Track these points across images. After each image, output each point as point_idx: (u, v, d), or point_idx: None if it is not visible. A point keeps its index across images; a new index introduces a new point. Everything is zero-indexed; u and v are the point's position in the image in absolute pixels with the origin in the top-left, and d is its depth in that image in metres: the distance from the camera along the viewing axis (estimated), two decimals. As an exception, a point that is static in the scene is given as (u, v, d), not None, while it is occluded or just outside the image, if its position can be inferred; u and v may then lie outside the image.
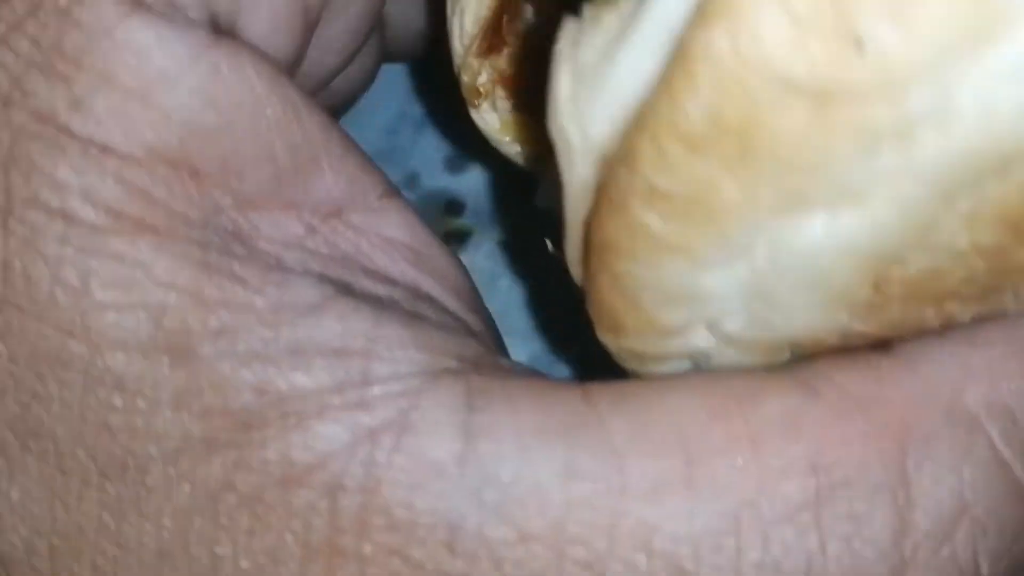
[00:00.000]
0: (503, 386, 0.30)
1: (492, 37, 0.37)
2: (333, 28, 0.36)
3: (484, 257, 0.52)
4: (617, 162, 0.26)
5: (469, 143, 0.56)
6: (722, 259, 0.26)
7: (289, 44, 0.33)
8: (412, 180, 0.53)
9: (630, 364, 0.31)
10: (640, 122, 0.25)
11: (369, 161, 0.34)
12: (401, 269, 0.33)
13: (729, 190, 0.24)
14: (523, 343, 0.51)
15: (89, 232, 0.29)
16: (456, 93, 0.39)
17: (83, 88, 0.29)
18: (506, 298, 0.52)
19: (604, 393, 0.30)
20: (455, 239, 0.52)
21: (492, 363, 0.32)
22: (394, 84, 0.54)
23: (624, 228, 0.26)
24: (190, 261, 0.29)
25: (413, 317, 0.32)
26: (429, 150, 0.53)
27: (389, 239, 0.33)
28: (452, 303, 0.34)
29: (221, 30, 0.31)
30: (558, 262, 0.32)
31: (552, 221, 0.34)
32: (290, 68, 0.34)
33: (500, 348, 0.36)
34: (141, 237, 0.29)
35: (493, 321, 0.36)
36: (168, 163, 0.30)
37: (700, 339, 0.29)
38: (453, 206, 0.53)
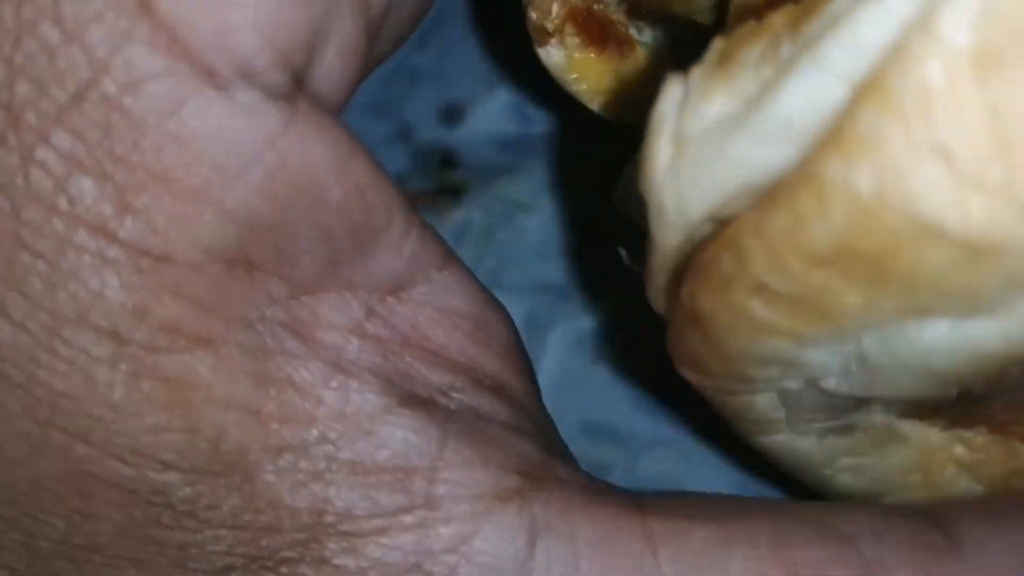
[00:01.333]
0: (565, 521, 0.31)
1: None
2: (393, 23, 0.34)
3: (480, 211, 0.52)
4: (720, 247, 0.26)
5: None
6: (829, 342, 0.27)
7: (357, 65, 0.31)
8: (406, 133, 0.52)
9: (707, 392, 0.31)
10: (755, 225, 0.25)
11: (429, 229, 0.33)
12: (461, 346, 0.33)
13: (850, 299, 0.24)
14: (520, 297, 0.51)
15: (143, 353, 0.27)
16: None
17: (133, 189, 0.27)
18: (502, 252, 0.52)
19: (668, 541, 0.31)
20: (450, 193, 0.51)
21: (552, 475, 0.32)
22: (390, 33, 0.53)
23: (723, 306, 0.26)
24: (247, 374, 0.28)
25: (476, 423, 0.32)
26: (424, 102, 0.52)
27: (449, 311, 0.33)
28: (506, 373, 0.34)
29: (296, 81, 0.29)
30: (634, 273, 0.32)
31: (626, 225, 0.34)
32: (356, 81, 0.32)
33: (544, 407, 0.37)
34: (196, 353, 0.28)
35: (532, 368, 0.37)
36: (225, 263, 0.28)
37: (791, 384, 0.30)
38: (449, 159, 0.52)
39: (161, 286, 0.27)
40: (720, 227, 0.26)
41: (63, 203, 0.27)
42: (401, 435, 0.30)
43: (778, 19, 0.25)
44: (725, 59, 0.25)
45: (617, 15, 0.38)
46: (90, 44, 0.26)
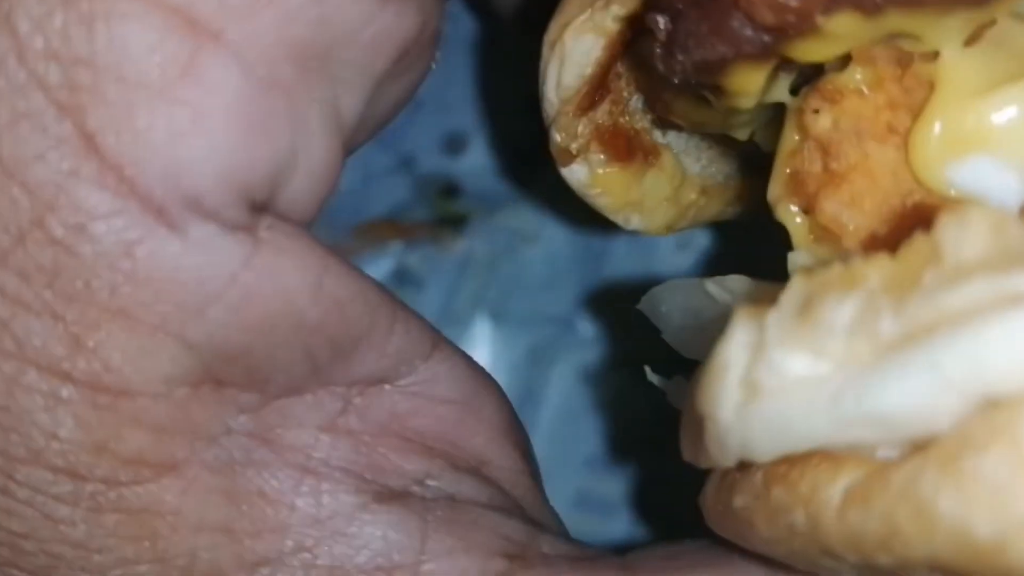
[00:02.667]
0: None
1: (596, 91, 0.35)
2: (368, 118, 0.33)
3: (483, 242, 0.51)
4: (792, 500, 0.26)
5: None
6: None
7: (328, 181, 0.30)
8: (407, 163, 0.51)
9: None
10: (840, 509, 0.24)
11: (414, 320, 0.32)
12: (441, 430, 0.33)
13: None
14: (524, 329, 0.50)
15: (103, 488, 0.27)
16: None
17: (86, 329, 0.26)
18: (506, 283, 0.51)
19: None
20: (452, 224, 0.51)
21: (537, 552, 0.32)
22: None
23: (783, 544, 0.26)
24: (216, 494, 0.28)
25: (456, 509, 0.32)
26: (425, 132, 0.51)
27: (433, 398, 0.33)
28: (492, 453, 0.34)
29: (258, 208, 0.28)
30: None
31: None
32: (328, 194, 0.31)
33: (538, 484, 0.36)
34: (162, 481, 0.28)
35: (529, 444, 0.37)
36: (189, 386, 0.28)
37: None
38: (450, 189, 0.51)
39: (120, 421, 0.27)
40: (789, 474, 0.26)
41: (9, 344, 0.26)
42: (380, 533, 0.30)
43: (872, 275, 0.25)
44: (807, 311, 0.25)
45: (642, 124, 0.37)
46: (32, 184, 0.26)
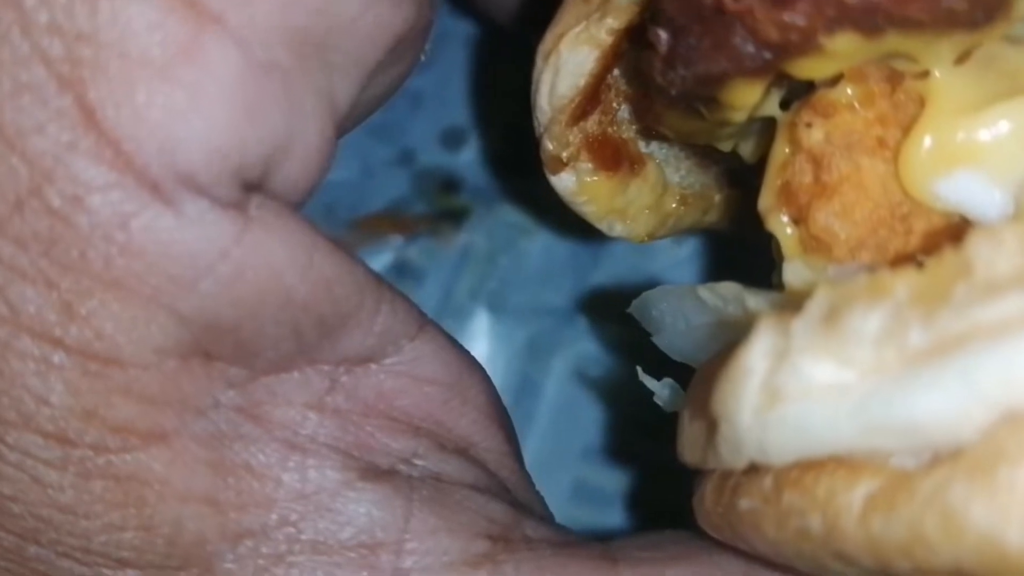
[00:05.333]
0: None
1: (588, 102, 0.36)
2: (359, 105, 0.33)
3: (483, 236, 0.52)
4: (807, 504, 0.26)
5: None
6: None
7: (321, 164, 0.31)
8: (408, 157, 0.51)
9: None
10: (862, 515, 0.25)
11: (401, 300, 0.33)
12: (427, 410, 0.33)
13: None
14: (523, 322, 0.51)
15: (92, 453, 0.28)
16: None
17: (79, 297, 0.27)
18: (505, 276, 0.52)
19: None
20: (452, 218, 0.51)
21: (520, 534, 0.33)
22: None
23: (792, 547, 0.27)
24: (202, 465, 0.29)
25: (441, 488, 0.32)
26: (425, 126, 0.51)
27: (419, 378, 0.33)
28: (477, 434, 0.34)
29: (251, 187, 0.29)
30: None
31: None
32: (320, 177, 0.32)
33: (521, 467, 0.37)
34: (150, 449, 0.28)
35: (512, 428, 0.37)
36: (179, 358, 0.28)
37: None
38: (450, 184, 0.51)
39: (110, 388, 0.27)
40: (804, 480, 0.26)
41: (4, 310, 0.27)
42: (364, 510, 0.30)
43: (900, 287, 0.25)
44: (833, 319, 0.25)
45: (629, 134, 0.38)
46: (31, 155, 0.26)
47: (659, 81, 0.31)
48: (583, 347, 0.51)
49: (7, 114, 0.26)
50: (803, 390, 0.25)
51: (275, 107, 0.28)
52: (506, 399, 0.53)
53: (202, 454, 0.29)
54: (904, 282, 0.25)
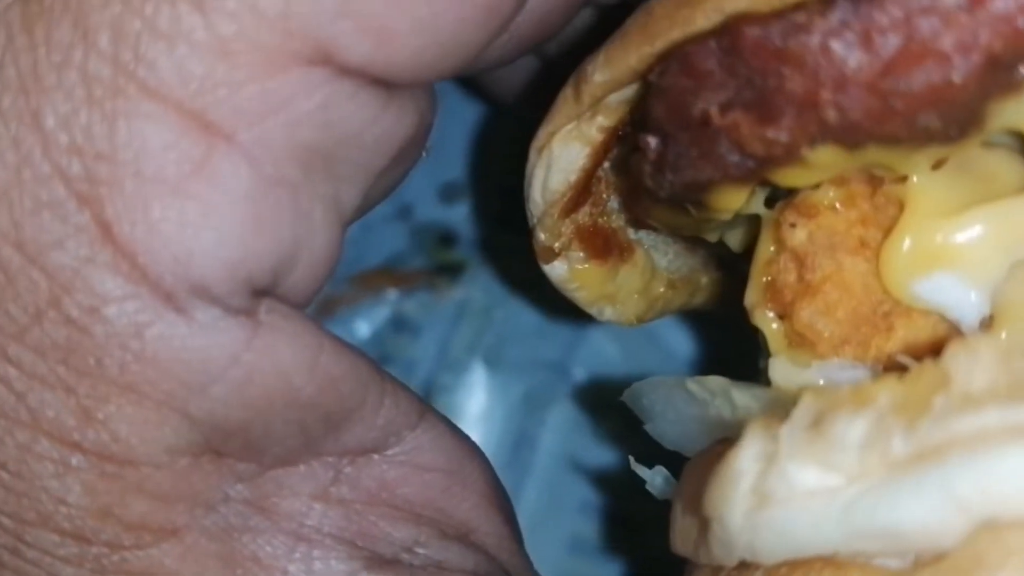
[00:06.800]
0: None
1: (579, 196, 0.37)
2: (367, 204, 0.34)
3: (479, 290, 0.53)
4: None
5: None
6: None
7: (328, 268, 0.32)
8: (405, 212, 0.52)
9: None
10: None
11: (402, 391, 0.34)
12: (428, 498, 0.34)
13: None
14: (519, 375, 0.52)
15: (108, 551, 0.29)
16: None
17: (96, 402, 0.28)
18: (502, 330, 0.53)
19: None
20: (449, 272, 0.52)
21: None
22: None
23: None
24: (213, 558, 0.30)
25: (440, 574, 0.33)
26: (423, 181, 0.52)
27: (420, 466, 0.34)
28: (478, 520, 0.35)
29: (260, 293, 0.30)
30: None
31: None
32: (327, 279, 0.33)
33: (520, 549, 0.38)
34: (162, 546, 0.29)
35: (512, 511, 0.38)
36: (190, 457, 0.29)
37: None
38: (447, 238, 0.52)
39: (125, 488, 0.29)
40: (788, 575, 0.27)
41: (24, 415, 0.28)
42: None
43: (882, 396, 0.26)
44: (819, 427, 0.27)
45: (618, 223, 0.39)
46: (51, 268, 0.28)
47: (648, 184, 0.32)
48: (579, 400, 0.51)
49: (28, 231, 0.27)
50: (791, 494, 0.26)
51: (284, 219, 0.29)
52: (503, 452, 0.54)
53: (212, 548, 0.30)
54: (886, 392, 0.26)
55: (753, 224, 0.35)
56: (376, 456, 0.33)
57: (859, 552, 0.26)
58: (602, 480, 0.51)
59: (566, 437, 0.51)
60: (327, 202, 0.30)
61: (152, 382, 0.28)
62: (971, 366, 0.26)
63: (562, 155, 0.36)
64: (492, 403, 0.51)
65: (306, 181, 0.29)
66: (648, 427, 0.37)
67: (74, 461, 0.28)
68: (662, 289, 0.42)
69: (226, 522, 0.30)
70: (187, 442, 0.29)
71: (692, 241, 0.41)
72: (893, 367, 0.29)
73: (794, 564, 0.28)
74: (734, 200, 0.31)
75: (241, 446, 0.30)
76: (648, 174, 0.31)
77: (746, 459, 0.27)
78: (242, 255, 0.28)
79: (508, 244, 0.52)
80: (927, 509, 0.25)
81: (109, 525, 0.29)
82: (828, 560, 0.27)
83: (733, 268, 0.37)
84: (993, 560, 0.25)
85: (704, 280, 0.42)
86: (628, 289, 0.41)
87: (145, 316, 0.28)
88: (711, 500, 0.28)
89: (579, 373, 0.52)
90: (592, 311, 0.40)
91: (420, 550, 0.33)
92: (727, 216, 0.32)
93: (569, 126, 0.36)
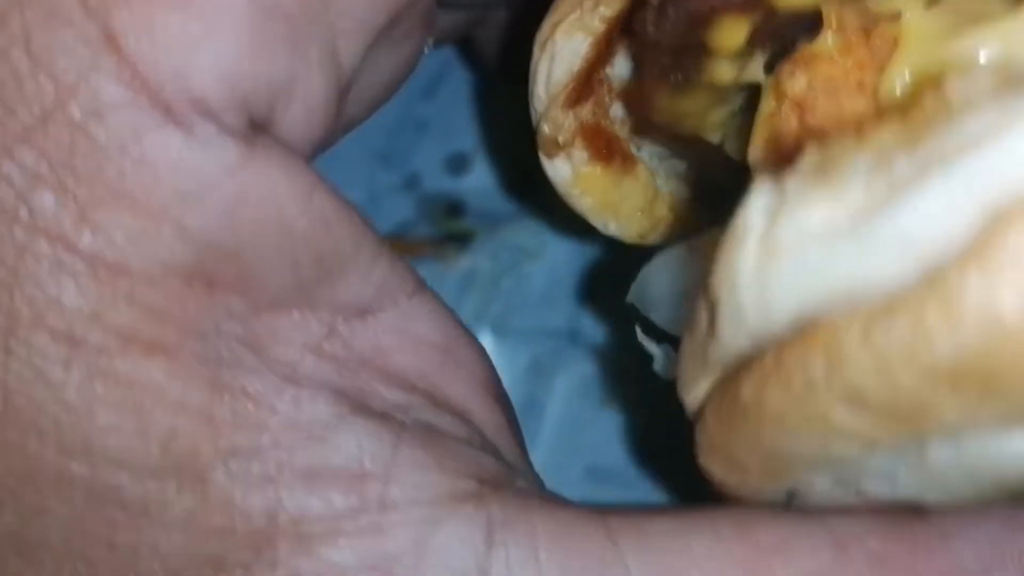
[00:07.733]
0: (523, 518, 0.31)
1: (581, 88, 0.38)
2: (367, 87, 0.35)
3: (486, 259, 0.53)
4: (809, 351, 0.26)
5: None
6: (899, 449, 0.27)
7: (325, 120, 0.33)
8: (413, 182, 0.53)
9: (722, 486, 0.32)
10: (863, 335, 0.25)
11: (400, 260, 0.34)
12: (422, 370, 0.34)
13: (949, 410, 0.24)
14: (526, 343, 0.52)
15: (96, 355, 0.29)
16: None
17: (94, 206, 0.28)
18: (509, 298, 0.53)
19: (628, 532, 0.31)
20: (456, 241, 0.52)
21: (511, 485, 0.33)
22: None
23: (799, 407, 0.26)
24: (200, 380, 0.29)
25: (431, 432, 0.32)
26: (430, 151, 0.53)
27: (415, 337, 0.34)
28: (473, 403, 0.35)
29: (257, 126, 0.30)
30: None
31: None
32: (324, 135, 0.33)
33: (520, 445, 0.37)
34: (151, 359, 0.29)
35: (513, 411, 0.37)
36: (183, 277, 0.29)
37: (819, 485, 0.30)
38: (455, 208, 0.53)
39: (117, 296, 0.29)
40: (806, 332, 0.26)
41: (24, 214, 0.28)
42: (354, 441, 0.31)
43: (886, 135, 0.26)
44: (824, 170, 0.26)
45: (622, 132, 0.40)
46: (57, 72, 0.28)
47: (651, 32, 0.33)
48: (586, 367, 0.51)
49: (37, 38, 0.28)
50: (800, 237, 0.25)
51: (280, 49, 0.30)
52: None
53: (201, 371, 0.29)
54: (889, 130, 0.26)
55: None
56: (370, 318, 0.33)
57: (891, 281, 0.24)
58: (608, 447, 0.51)
59: (573, 404, 0.51)
60: (324, 47, 0.31)
61: (149, 190, 0.28)
62: (968, 81, 0.26)
63: (565, 46, 0.37)
64: (499, 371, 0.51)
65: (302, 17, 0.30)
66: (655, 317, 0.37)
67: (69, 261, 0.28)
68: (665, 212, 0.42)
69: (217, 353, 0.30)
70: (179, 259, 0.29)
71: (694, 172, 0.42)
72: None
73: (804, 332, 0.26)
74: (735, 35, 0.32)
75: (233, 275, 0.30)
76: (652, 20, 0.32)
77: (752, 214, 0.26)
78: (239, 73, 0.29)
79: (515, 214, 0.53)
80: (934, 207, 0.24)
81: (99, 329, 0.29)
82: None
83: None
84: (1004, 236, 0.23)
85: (703, 219, 0.42)
86: (631, 204, 0.41)
87: (145, 124, 0.28)
88: (718, 273, 0.27)
89: (585, 340, 0.52)
90: (598, 223, 0.41)
91: (412, 412, 0.33)
92: (729, 72, 0.33)
93: (573, 16, 0.37)
